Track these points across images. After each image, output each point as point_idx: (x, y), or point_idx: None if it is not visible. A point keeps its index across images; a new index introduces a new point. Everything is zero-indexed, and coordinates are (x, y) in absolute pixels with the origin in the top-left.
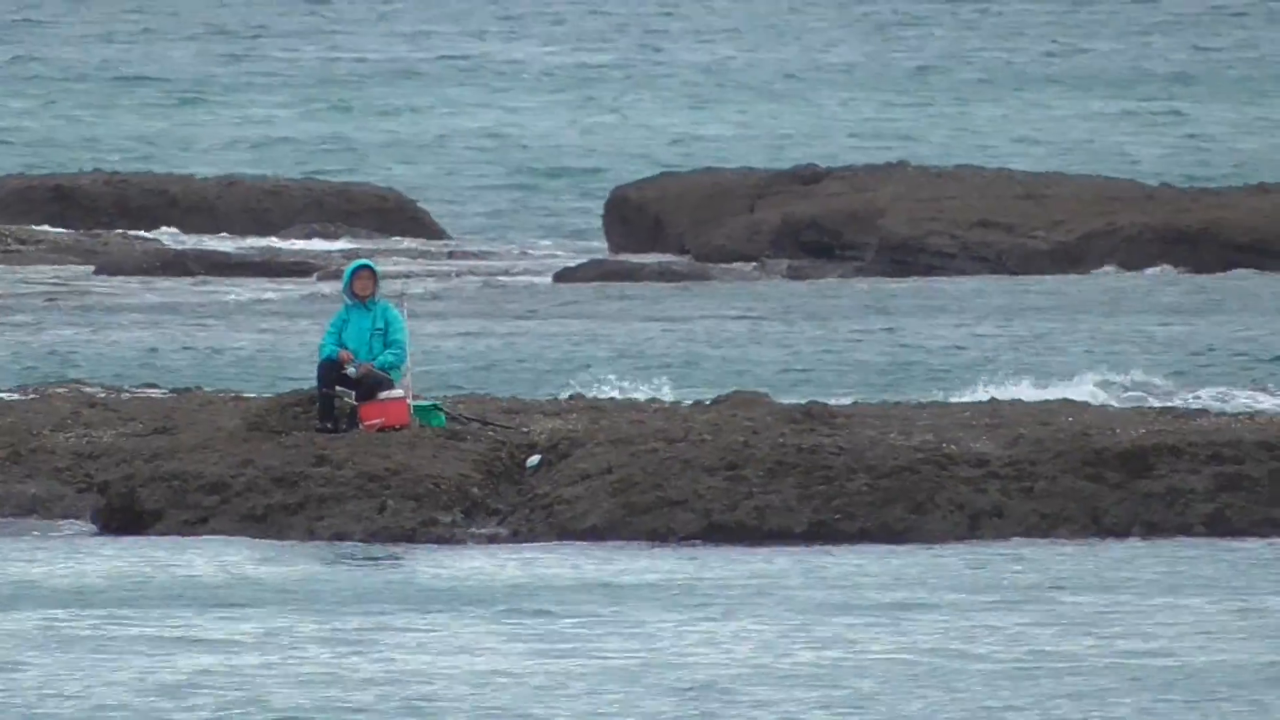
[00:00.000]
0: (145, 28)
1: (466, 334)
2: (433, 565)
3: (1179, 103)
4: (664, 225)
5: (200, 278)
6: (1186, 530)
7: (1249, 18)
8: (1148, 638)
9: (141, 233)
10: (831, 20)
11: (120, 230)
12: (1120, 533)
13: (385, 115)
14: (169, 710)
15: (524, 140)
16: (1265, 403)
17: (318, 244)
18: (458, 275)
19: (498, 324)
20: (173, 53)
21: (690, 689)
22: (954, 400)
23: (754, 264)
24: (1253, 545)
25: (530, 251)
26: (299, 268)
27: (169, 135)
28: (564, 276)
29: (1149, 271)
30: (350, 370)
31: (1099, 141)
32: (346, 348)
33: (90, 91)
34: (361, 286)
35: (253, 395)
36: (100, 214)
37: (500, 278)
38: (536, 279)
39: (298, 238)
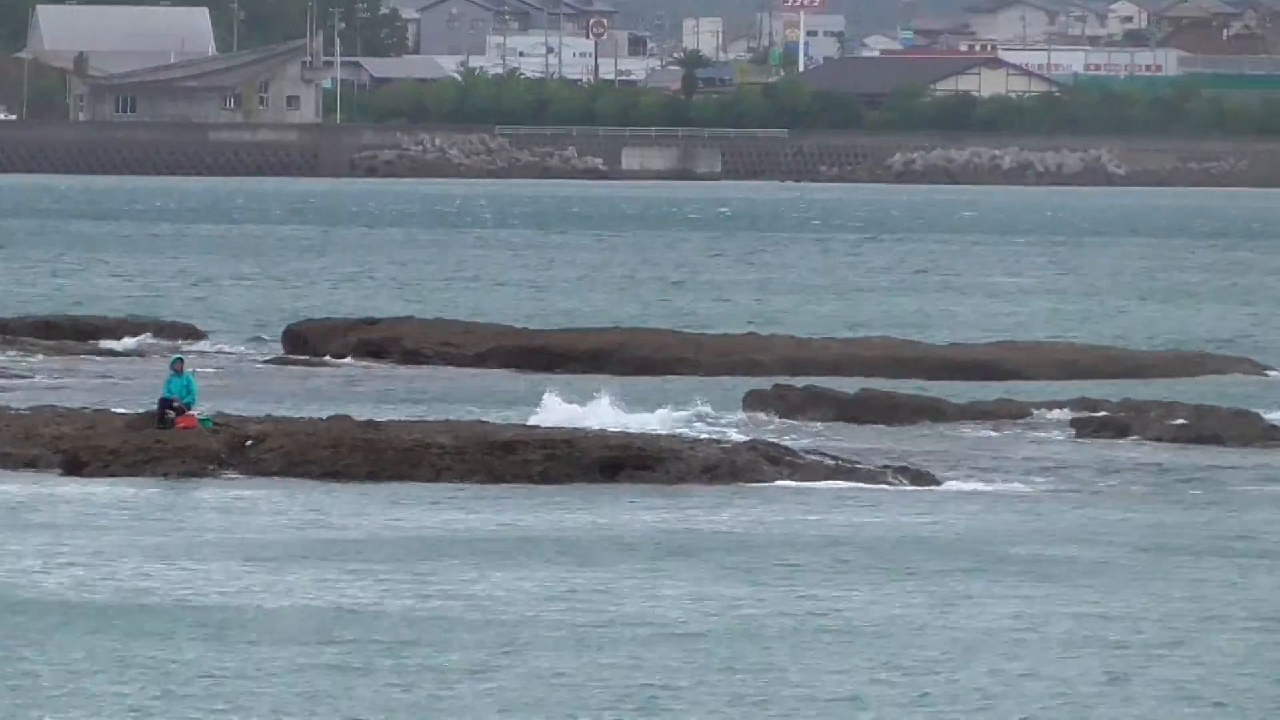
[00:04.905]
0: None
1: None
2: (205, 491)
3: None
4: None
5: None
6: (528, 478)
7: None
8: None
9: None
10: None
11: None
12: (509, 480)
13: None
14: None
15: None
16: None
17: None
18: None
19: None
20: None
21: None
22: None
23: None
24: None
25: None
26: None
27: None
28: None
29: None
30: (175, 403)
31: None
32: (173, 393)
33: None
34: (177, 367)
35: (129, 412)
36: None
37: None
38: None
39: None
